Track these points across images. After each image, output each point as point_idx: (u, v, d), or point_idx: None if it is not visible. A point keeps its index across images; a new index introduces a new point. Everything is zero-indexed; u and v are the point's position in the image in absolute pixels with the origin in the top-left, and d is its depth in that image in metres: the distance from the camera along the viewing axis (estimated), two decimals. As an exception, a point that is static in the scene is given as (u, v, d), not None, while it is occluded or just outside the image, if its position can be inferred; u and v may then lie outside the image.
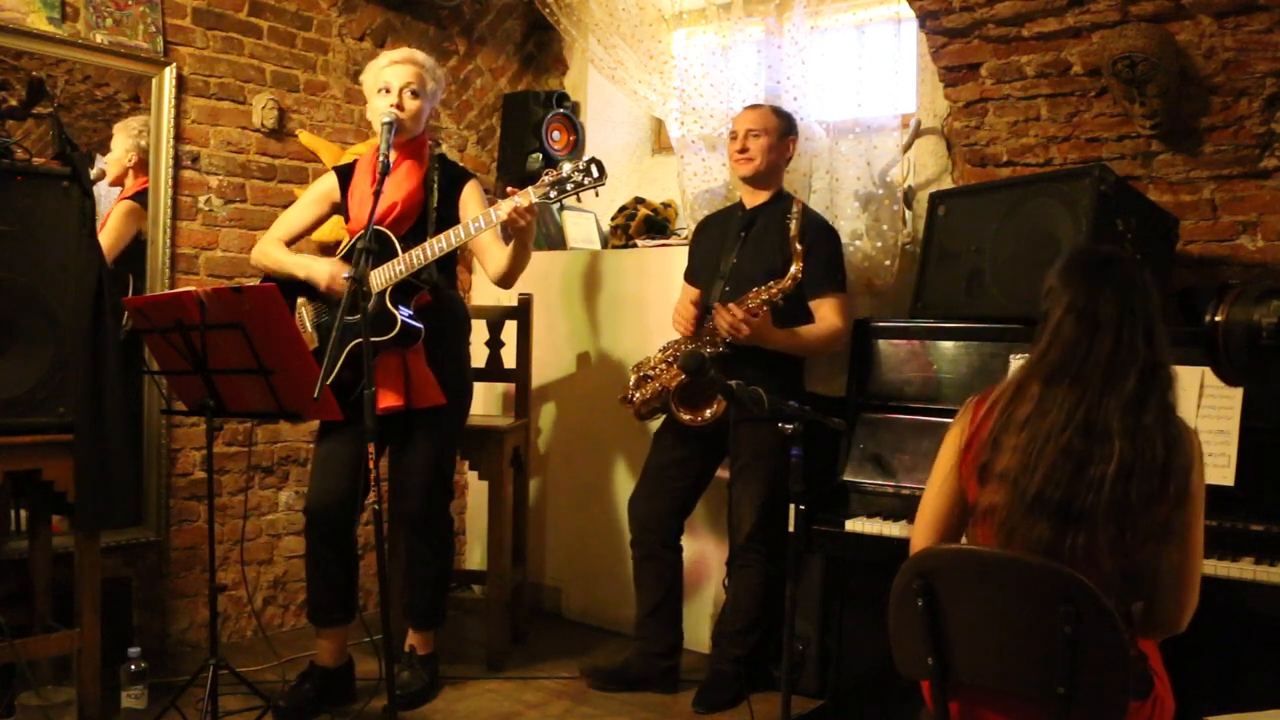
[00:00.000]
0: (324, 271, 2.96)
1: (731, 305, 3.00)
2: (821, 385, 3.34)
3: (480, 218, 2.84)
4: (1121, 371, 1.67)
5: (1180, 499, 1.66)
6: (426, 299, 2.98)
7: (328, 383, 2.47)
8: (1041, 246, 2.71)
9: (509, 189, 2.81)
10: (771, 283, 3.02)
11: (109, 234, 3.33)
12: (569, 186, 2.75)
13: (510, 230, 2.86)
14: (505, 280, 3.02)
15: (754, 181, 3.22)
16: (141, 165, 3.39)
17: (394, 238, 2.88)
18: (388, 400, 2.87)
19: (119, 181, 3.38)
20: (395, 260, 2.85)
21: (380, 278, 2.83)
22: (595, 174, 2.75)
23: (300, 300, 3.03)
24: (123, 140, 3.37)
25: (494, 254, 3.01)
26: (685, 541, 3.31)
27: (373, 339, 2.63)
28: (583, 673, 3.30)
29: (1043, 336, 1.76)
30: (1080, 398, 1.68)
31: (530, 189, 2.78)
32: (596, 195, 2.95)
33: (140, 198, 3.40)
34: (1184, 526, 1.69)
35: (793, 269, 3.00)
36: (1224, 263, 2.96)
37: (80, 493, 2.67)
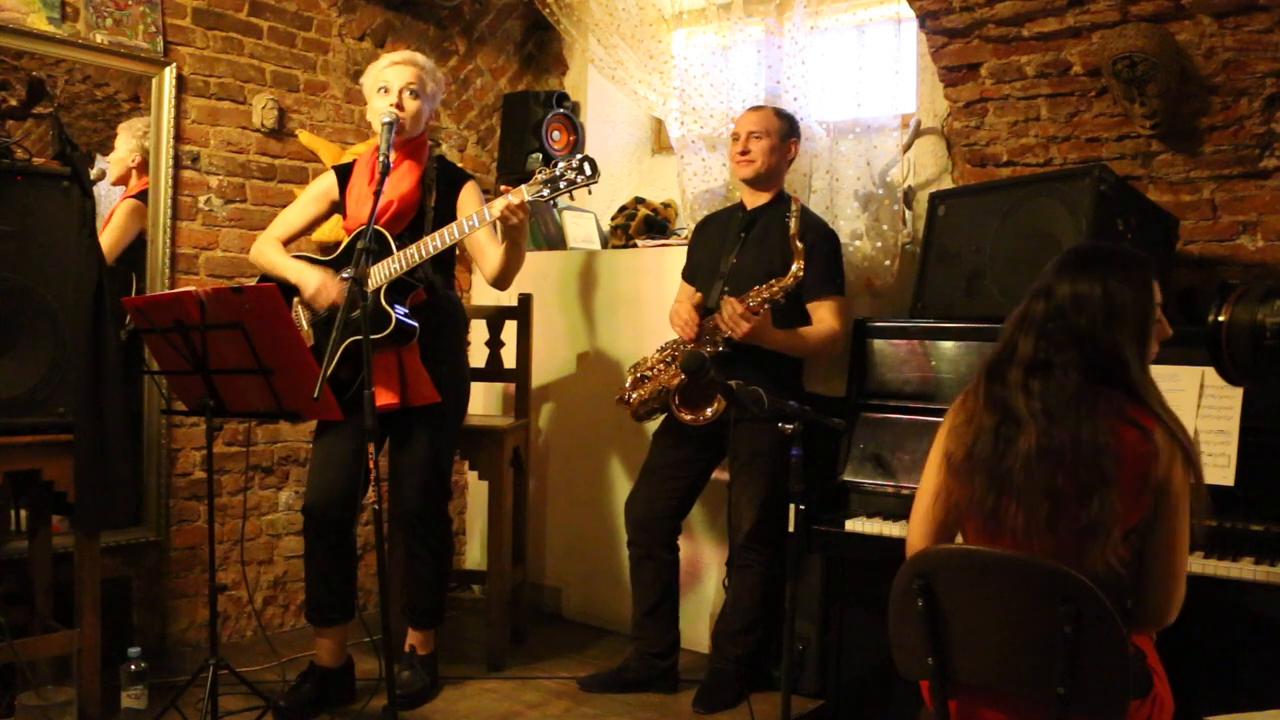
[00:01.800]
0: (312, 281, 2.95)
1: (733, 300, 3.00)
2: (821, 385, 3.34)
3: (474, 215, 2.84)
4: (1044, 364, 1.76)
5: (1113, 490, 1.68)
6: (422, 297, 2.98)
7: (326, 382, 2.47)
8: (1041, 246, 2.70)
9: (502, 187, 2.82)
10: (773, 281, 3.02)
11: (113, 232, 3.33)
12: (562, 185, 2.76)
13: (503, 229, 2.86)
14: (500, 281, 3.03)
15: (755, 183, 3.22)
16: (146, 165, 3.39)
17: (389, 236, 2.88)
18: (384, 399, 2.87)
19: (122, 181, 3.38)
20: (390, 258, 2.85)
21: (375, 276, 2.83)
22: (588, 172, 2.75)
23: (297, 298, 3.03)
24: (127, 140, 3.37)
25: (489, 254, 3.01)
26: (684, 542, 3.31)
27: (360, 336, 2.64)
28: (580, 684, 3.27)
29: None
30: (1001, 381, 1.81)
31: (523, 187, 2.78)
32: (590, 193, 2.95)
33: (145, 196, 3.40)
34: (1164, 522, 1.72)
35: (794, 267, 3.00)
36: (1224, 263, 2.95)
37: (80, 493, 2.67)
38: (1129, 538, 1.73)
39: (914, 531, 1.93)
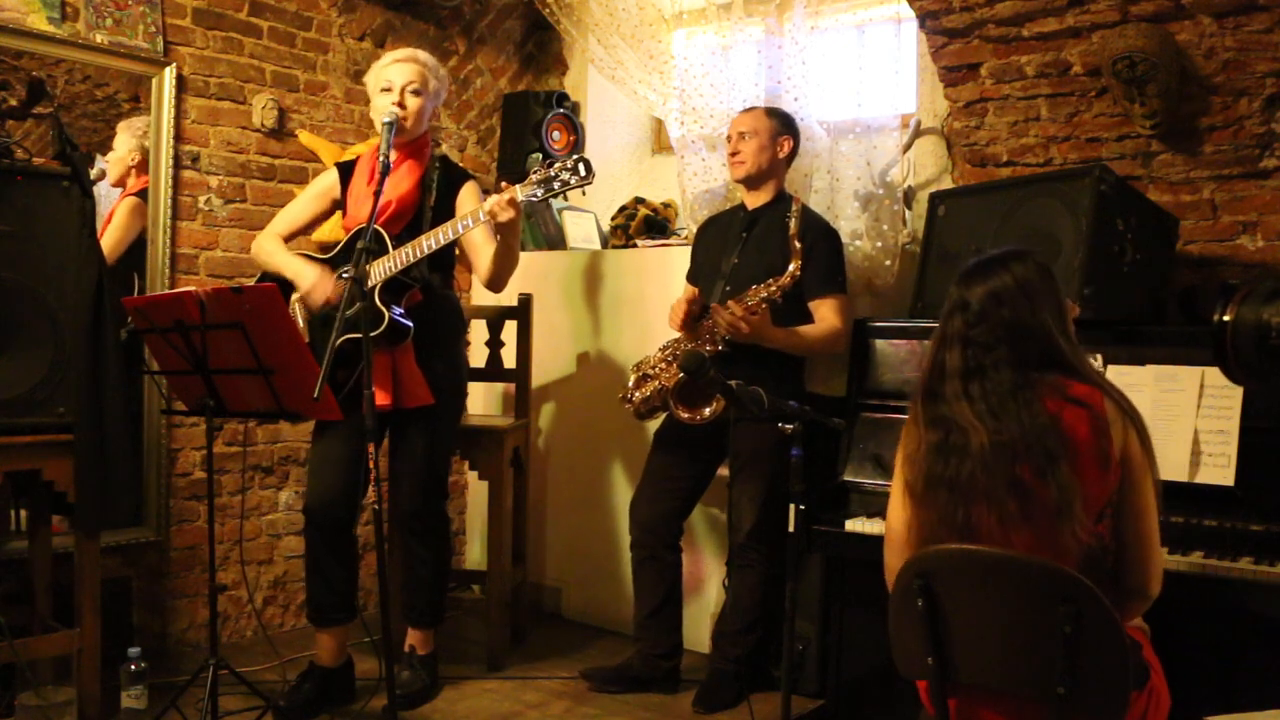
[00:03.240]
0: (308, 278, 2.95)
1: (730, 303, 3.01)
2: (821, 385, 3.34)
3: (468, 216, 2.84)
4: (976, 369, 1.80)
5: (1064, 464, 1.71)
6: (418, 298, 2.97)
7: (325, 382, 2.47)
8: (1041, 246, 2.69)
9: (503, 185, 2.81)
10: (770, 280, 3.02)
11: (115, 231, 3.33)
12: (555, 185, 2.75)
13: (495, 226, 2.85)
14: (493, 282, 3.02)
15: (749, 183, 3.23)
16: (145, 165, 3.39)
17: (386, 236, 2.87)
18: (376, 399, 2.86)
19: (121, 181, 3.38)
20: (386, 257, 2.84)
21: (371, 275, 2.82)
22: (582, 172, 2.75)
23: (295, 296, 3.03)
24: (126, 140, 3.36)
25: (482, 254, 3.00)
26: (685, 541, 3.31)
27: (357, 335, 2.63)
28: (582, 674, 3.29)
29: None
30: (938, 398, 1.85)
31: (517, 186, 2.78)
32: (584, 195, 2.95)
33: (144, 195, 3.40)
34: (1129, 491, 1.77)
35: (791, 266, 3.00)
36: (1224, 263, 2.95)
37: (80, 493, 2.67)
38: (1104, 515, 1.75)
39: (894, 561, 1.92)
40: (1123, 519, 1.78)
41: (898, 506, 1.91)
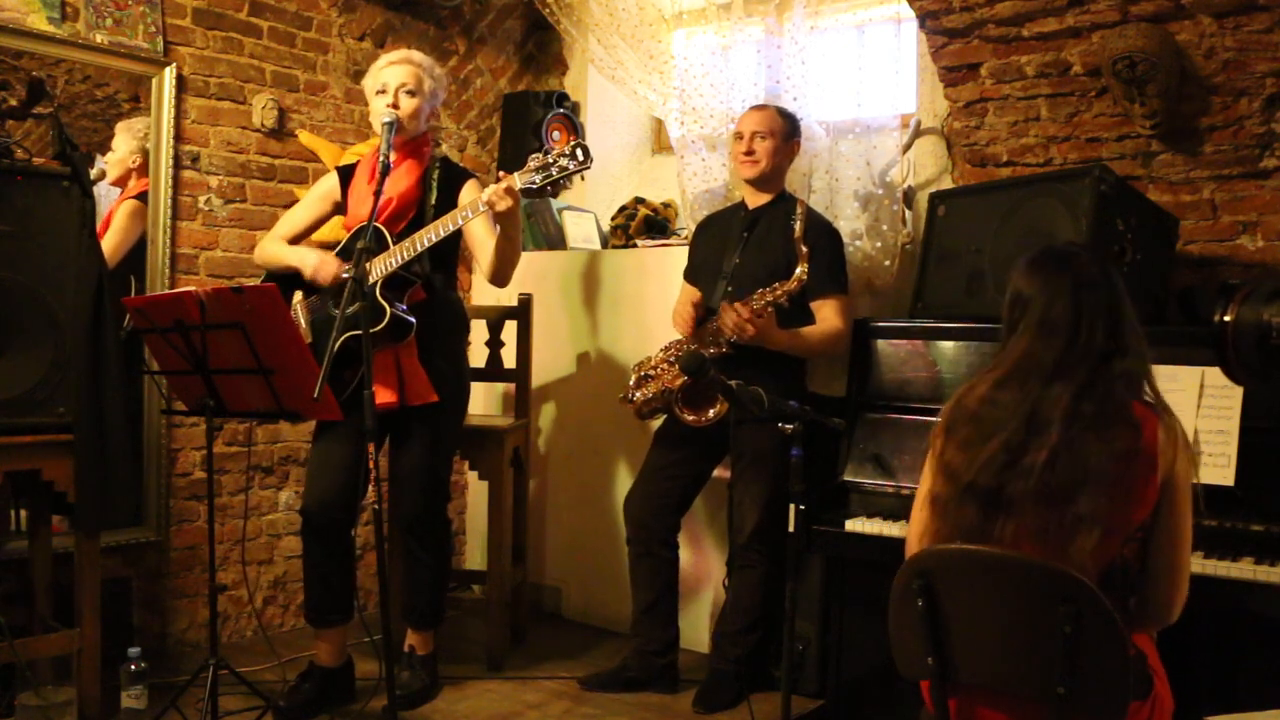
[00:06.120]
0: (310, 260, 2.96)
1: (737, 305, 3.00)
2: (822, 386, 3.34)
3: (467, 207, 2.83)
4: (1070, 369, 1.75)
5: (1101, 493, 1.68)
6: (420, 295, 2.97)
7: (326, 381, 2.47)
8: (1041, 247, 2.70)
9: (501, 174, 2.80)
10: (777, 284, 3.02)
11: (115, 234, 3.33)
12: (554, 170, 2.74)
13: (495, 217, 2.85)
14: (496, 277, 3.01)
15: (758, 183, 3.22)
16: (146, 167, 3.39)
17: (387, 233, 2.87)
18: (382, 397, 2.85)
19: (121, 182, 3.38)
20: (387, 253, 2.84)
21: (372, 271, 2.81)
22: (580, 158, 2.73)
23: (296, 296, 3.03)
24: (125, 140, 3.36)
25: (485, 248, 3.00)
26: (686, 541, 3.31)
27: (359, 333, 2.62)
28: (579, 682, 3.27)
29: (1006, 338, 1.87)
30: (1027, 396, 1.77)
31: (515, 174, 2.77)
32: (583, 179, 2.91)
33: (145, 197, 3.39)
34: (1167, 517, 1.73)
35: (798, 270, 3.00)
36: (1224, 263, 2.96)
37: (80, 493, 2.67)
38: (1134, 538, 1.73)
39: (912, 536, 1.92)
40: (1156, 544, 1.75)
41: (920, 510, 1.88)
